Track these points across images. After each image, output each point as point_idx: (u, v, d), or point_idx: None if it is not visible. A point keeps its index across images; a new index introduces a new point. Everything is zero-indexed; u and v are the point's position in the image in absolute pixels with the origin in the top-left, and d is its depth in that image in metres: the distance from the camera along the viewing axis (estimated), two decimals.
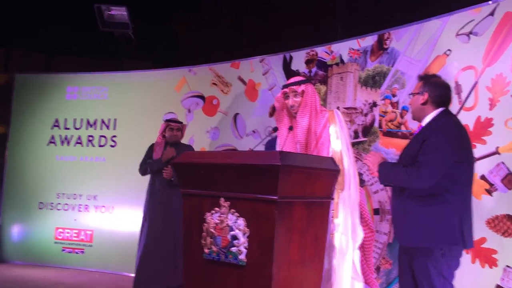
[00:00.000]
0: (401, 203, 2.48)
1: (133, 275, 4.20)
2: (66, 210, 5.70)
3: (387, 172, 2.50)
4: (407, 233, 2.44)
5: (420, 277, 2.37)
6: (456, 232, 2.32)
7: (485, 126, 3.18)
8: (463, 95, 3.35)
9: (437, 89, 2.50)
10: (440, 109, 2.49)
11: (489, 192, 3.12)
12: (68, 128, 5.87)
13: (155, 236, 4.08)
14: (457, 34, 3.45)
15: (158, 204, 4.14)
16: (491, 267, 3.06)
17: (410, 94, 2.65)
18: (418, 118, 2.59)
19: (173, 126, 4.29)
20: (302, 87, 2.75)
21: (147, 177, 4.37)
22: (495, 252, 3.05)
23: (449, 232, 2.32)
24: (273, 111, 4.81)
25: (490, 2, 3.28)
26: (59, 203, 5.72)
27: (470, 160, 2.46)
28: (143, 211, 4.26)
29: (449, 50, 3.50)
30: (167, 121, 4.39)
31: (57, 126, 5.91)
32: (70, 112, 5.90)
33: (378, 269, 3.77)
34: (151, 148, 4.36)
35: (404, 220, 2.46)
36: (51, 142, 5.89)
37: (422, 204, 2.37)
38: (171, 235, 4.01)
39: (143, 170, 4.31)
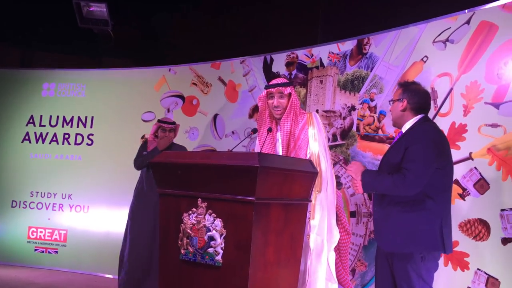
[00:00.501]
0: (382, 209, 2.51)
1: (108, 275, 4.12)
2: (39, 209, 5.58)
3: (371, 180, 2.49)
4: (388, 239, 2.47)
5: (401, 280, 2.40)
6: (437, 238, 2.36)
7: (459, 132, 3.25)
8: (439, 101, 3.42)
9: (416, 96, 2.54)
10: (419, 116, 2.53)
11: (462, 196, 3.19)
12: (43, 125, 5.75)
13: (140, 241, 3.94)
14: (434, 41, 3.52)
15: (144, 206, 4.00)
16: (463, 270, 3.12)
17: (390, 101, 2.68)
18: (398, 124, 2.62)
19: (166, 127, 4.09)
20: (289, 89, 2.77)
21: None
22: (467, 255, 3.12)
23: (430, 238, 2.36)
24: (253, 113, 4.81)
25: (466, 11, 3.35)
26: (33, 202, 5.60)
27: (450, 166, 2.50)
28: (128, 213, 4.12)
29: (426, 56, 3.56)
30: (159, 121, 4.18)
31: (32, 123, 5.78)
32: (46, 109, 5.78)
33: (353, 271, 3.81)
34: (144, 144, 4.20)
35: (385, 226, 2.48)
36: (25, 139, 5.76)
37: (403, 210, 2.40)
38: (157, 238, 3.88)
39: (139, 164, 4.11)
